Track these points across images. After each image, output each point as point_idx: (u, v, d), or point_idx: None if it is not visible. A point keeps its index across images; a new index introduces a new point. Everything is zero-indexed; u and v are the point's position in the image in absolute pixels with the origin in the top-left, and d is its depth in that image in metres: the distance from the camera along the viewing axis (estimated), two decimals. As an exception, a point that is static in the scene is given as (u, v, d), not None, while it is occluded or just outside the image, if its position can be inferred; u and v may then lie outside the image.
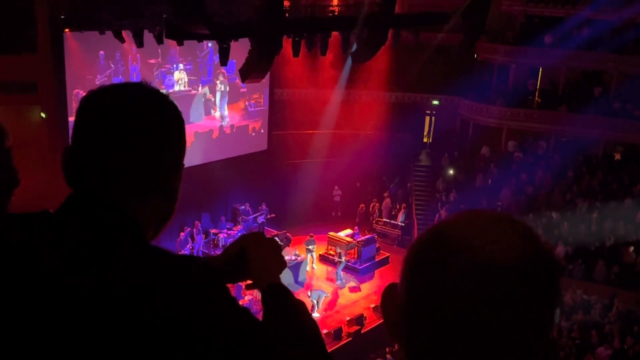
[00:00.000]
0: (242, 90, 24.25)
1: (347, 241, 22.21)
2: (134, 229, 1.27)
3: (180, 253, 1.53)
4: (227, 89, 23.81)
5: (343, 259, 21.32)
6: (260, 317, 1.42)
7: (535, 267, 0.92)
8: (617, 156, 26.24)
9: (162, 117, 1.33)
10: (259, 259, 1.56)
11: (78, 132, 1.31)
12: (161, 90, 1.38)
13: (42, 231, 1.24)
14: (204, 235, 22.18)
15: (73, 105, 19.46)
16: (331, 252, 22.05)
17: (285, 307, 1.50)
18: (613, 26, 24.36)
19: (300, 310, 1.51)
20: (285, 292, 1.54)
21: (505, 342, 0.90)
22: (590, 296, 19.89)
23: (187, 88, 22.64)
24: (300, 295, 20.19)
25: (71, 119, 19.18)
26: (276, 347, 1.37)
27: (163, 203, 1.36)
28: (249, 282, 1.60)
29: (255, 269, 1.55)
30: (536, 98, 27.45)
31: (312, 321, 1.50)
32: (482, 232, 0.93)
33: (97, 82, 19.95)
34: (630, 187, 23.76)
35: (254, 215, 23.71)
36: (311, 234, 22.13)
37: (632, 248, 21.25)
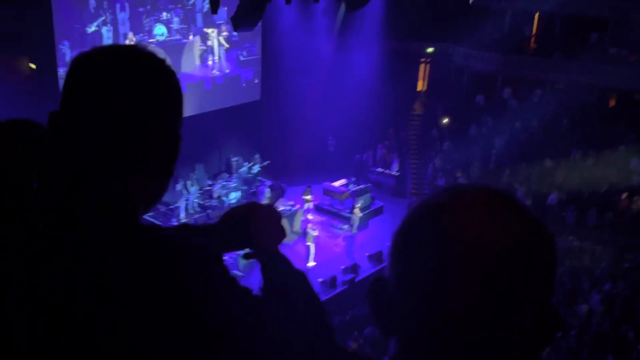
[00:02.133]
0: (234, 39, 23.89)
1: (342, 191, 22.30)
2: (127, 206, 1.19)
3: (176, 226, 1.48)
4: (223, 38, 23.43)
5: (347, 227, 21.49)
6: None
7: (531, 245, 0.89)
8: (612, 103, 26.16)
9: (159, 87, 1.22)
10: (260, 227, 1.50)
11: (66, 97, 1.21)
12: (159, 56, 1.25)
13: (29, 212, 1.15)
14: (198, 187, 22.20)
15: (62, 56, 19.18)
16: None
17: (286, 278, 1.46)
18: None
19: (301, 280, 1.47)
20: (286, 263, 1.49)
21: (504, 325, 0.88)
22: (583, 242, 20.14)
23: (178, 37, 22.27)
24: (297, 244, 20.42)
25: (61, 70, 18.97)
26: (277, 321, 1.33)
27: (158, 178, 1.28)
28: (247, 251, 1.56)
29: (255, 238, 1.50)
30: (531, 45, 27.17)
31: (313, 292, 1.48)
32: (474, 212, 0.89)
33: (88, 32, 19.63)
34: (624, 134, 23.77)
35: (248, 165, 23.70)
36: (309, 185, 22.18)
37: (625, 195, 21.40)
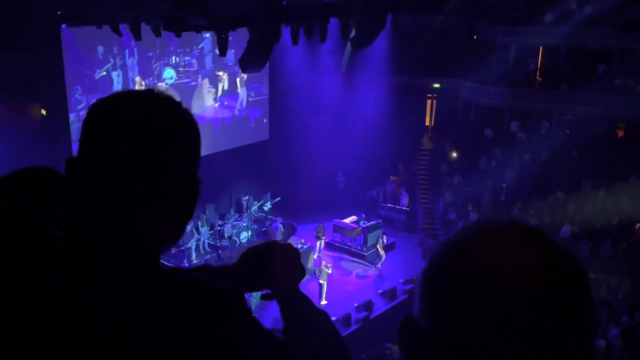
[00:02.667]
0: (242, 80, 24.19)
1: (353, 227, 22.24)
2: (147, 251, 1.18)
3: (196, 267, 1.47)
4: (228, 79, 23.75)
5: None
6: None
7: (566, 281, 0.88)
8: (621, 133, 26.12)
9: (176, 130, 1.21)
10: (280, 266, 1.49)
11: (84, 143, 1.20)
12: (175, 99, 1.25)
13: (48, 255, 1.14)
14: (209, 227, 22.21)
15: (75, 102, 19.48)
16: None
17: (308, 317, 1.44)
18: (614, 2, 24.14)
19: (323, 319, 1.45)
20: (307, 301, 1.47)
21: None
22: (598, 275, 19.87)
23: (187, 80, 22.59)
24: (310, 282, 20.27)
25: (72, 115, 19.22)
26: None
27: (177, 220, 1.26)
28: (265, 291, 1.55)
29: (276, 277, 1.49)
30: (537, 77, 27.32)
31: (335, 331, 1.45)
32: (504, 250, 0.87)
33: (96, 77, 19.94)
34: (634, 164, 23.67)
35: (258, 204, 23.73)
36: (322, 222, 22.15)
37: (638, 225, 21.20)
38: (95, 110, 1.22)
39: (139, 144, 1.16)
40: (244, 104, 24.64)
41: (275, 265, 1.49)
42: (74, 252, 1.14)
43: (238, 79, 24.00)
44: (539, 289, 0.84)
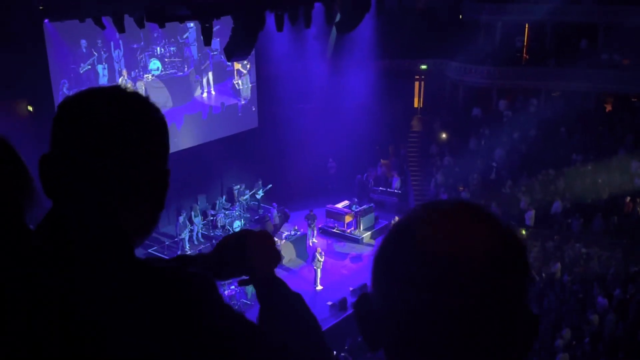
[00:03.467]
0: (228, 69, 24.08)
1: (345, 212, 22.30)
2: (122, 242, 1.23)
3: (171, 258, 1.53)
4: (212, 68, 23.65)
5: None
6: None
7: (503, 254, 0.92)
8: (609, 107, 26.24)
9: (144, 124, 1.27)
10: (255, 252, 1.54)
11: (57, 140, 1.26)
12: (141, 93, 1.31)
13: (27, 251, 1.20)
14: (202, 217, 22.21)
15: (62, 96, 19.34)
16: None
17: (282, 302, 1.49)
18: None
19: (297, 303, 1.50)
20: (282, 285, 1.52)
21: (482, 330, 0.90)
22: (590, 249, 20.05)
23: (172, 70, 22.46)
24: (304, 269, 20.35)
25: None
26: (274, 345, 1.36)
27: (148, 212, 1.31)
28: (243, 277, 1.58)
29: (251, 263, 1.54)
30: (524, 55, 27.35)
31: (310, 314, 1.50)
32: (446, 227, 0.93)
33: (81, 71, 19.79)
34: (623, 137, 23.81)
35: (250, 193, 23.74)
36: (311, 209, 22.19)
37: (628, 198, 21.36)
38: (63, 108, 1.27)
39: (106, 139, 1.22)
40: (231, 92, 24.54)
41: (251, 252, 1.53)
42: (49, 243, 1.18)
43: (239, 69, 23.87)
44: (473, 262, 0.89)
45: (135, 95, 1.29)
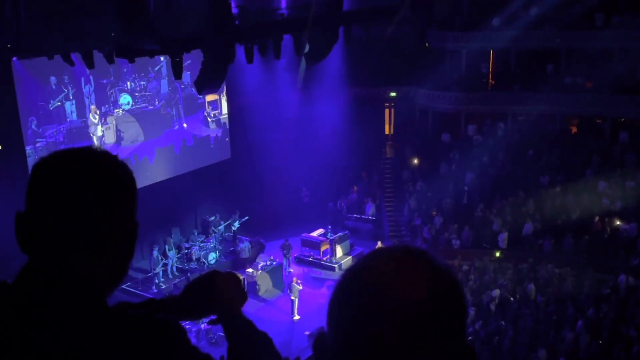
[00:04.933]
0: (199, 101, 24.16)
1: (321, 240, 22.32)
2: (93, 293, 1.33)
3: (142, 302, 1.63)
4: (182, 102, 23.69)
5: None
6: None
7: (440, 296, 1.02)
8: (574, 129, 26.84)
9: (113, 182, 1.37)
10: (222, 293, 1.62)
11: (30, 199, 1.35)
12: (111, 154, 1.41)
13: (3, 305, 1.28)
14: (176, 250, 22.02)
15: (32, 134, 19.20)
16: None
17: (249, 341, 1.58)
18: (558, 3, 24.86)
19: (263, 342, 1.59)
20: (248, 326, 1.61)
21: None
22: (562, 269, 20.31)
23: (143, 104, 22.45)
24: (281, 299, 20.25)
25: (28, 147, 18.91)
26: None
27: (119, 262, 1.40)
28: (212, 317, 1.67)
29: (218, 304, 1.62)
30: (490, 80, 27.93)
31: (275, 352, 1.58)
32: (389, 271, 1.03)
33: (51, 108, 19.69)
34: (589, 158, 24.32)
35: (225, 224, 23.63)
36: (286, 239, 22.19)
37: (597, 218, 21.75)
38: (36, 170, 1.36)
39: (76, 200, 1.32)
40: (203, 124, 24.57)
41: (218, 293, 1.62)
42: (23, 297, 1.28)
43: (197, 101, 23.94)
44: (412, 304, 1.00)
45: (104, 155, 1.39)
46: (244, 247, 21.67)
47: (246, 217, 23.74)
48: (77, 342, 1.23)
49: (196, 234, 23.08)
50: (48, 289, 1.28)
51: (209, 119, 24.77)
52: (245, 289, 1.70)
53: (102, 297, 1.35)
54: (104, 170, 1.37)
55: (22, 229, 1.34)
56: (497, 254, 21.80)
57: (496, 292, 19.32)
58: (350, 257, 22.55)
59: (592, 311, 17.99)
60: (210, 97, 24.19)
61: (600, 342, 16.89)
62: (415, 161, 26.46)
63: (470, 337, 15.73)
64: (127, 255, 1.42)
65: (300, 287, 19.50)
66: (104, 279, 1.36)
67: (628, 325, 17.27)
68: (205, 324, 17.38)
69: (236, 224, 23.75)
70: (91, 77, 20.39)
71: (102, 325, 1.27)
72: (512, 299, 19.20)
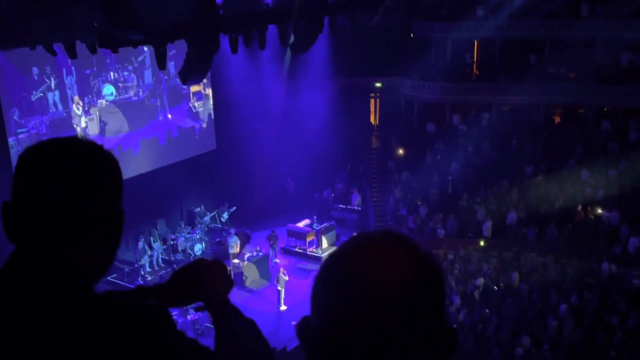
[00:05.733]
0: (184, 91, 24.02)
1: (307, 231, 22.35)
2: (80, 280, 1.34)
3: (130, 290, 1.65)
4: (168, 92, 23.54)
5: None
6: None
7: (420, 279, 1.05)
8: (557, 119, 27.03)
9: (97, 172, 1.39)
10: (208, 281, 1.64)
11: (16, 189, 1.37)
12: (96, 144, 1.43)
13: None
14: (161, 242, 21.96)
15: (14, 124, 18.99)
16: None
17: (236, 327, 1.60)
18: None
19: (250, 329, 1.61)
20: (235, 313, 1.62)
21: (405, 349, 1.03)
22: (546, 257, 20.51)
23: (127, 95, 22.28)
24: (267, 289, 20.29)
25: (11, 139, 18.72)
26: None
27: (105, 250, 1.43)
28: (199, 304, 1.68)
29: (205, 291, 1.64)
30: (475, 70, 28.02)
31: (262, 339, 1.60)
32: (370, 256, 1.06)
33: (33, 99, 19.48)
34: (572, 148, 24.53)
35: (211, 215, 23.59)
36: (272, 230, 22.19)
37: (580, 207, 21.97)
38: (22, 160, 1.39)
39: (62, 188, 1.34)
40: (188, 114, 24.44)
41: (204, 280, 1.64)
42: (10, 284, 1.30)
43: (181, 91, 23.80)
44: (393, 287, 1.02)
45: (89, 144, 1.41)
46: (232, 241, 21.61)
47: (234, 208, 23.71)
48: (66, 329, 1.25)
49: (183, 225, 23.03)
50: (35, 277, 1.30)
51: (194, 110, 24.64)
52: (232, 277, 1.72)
53: (89, 285, 1.36)
54: (89, 158, 1.39)
55: (8, 218, 1.36)
56: (482, 243, 21.97)
57: (480, 281, 19.50)
58: (336, 247, 22.56)
59: (575, 299, 18.20)
60: (194, 88, 24.05)
61: (583, 329, 17.11)
62: (401, 151, 26.53)
63: (455, 325, 15.85)
64: (113, 243, 1.45)
65: (287, 278, 19.54)
66: (91, 267, 1.38)
67: (610, 313, 17.51)
68: (192, 315, 17.35)
69: (225, 215, 23.72)
70: (73, 68, 20.19)
71: (90, 312, 1.29)
72: (496, 287, 19.38)
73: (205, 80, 22.49)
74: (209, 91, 24.92)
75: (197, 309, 1.70)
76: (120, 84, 21.97)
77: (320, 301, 1.09)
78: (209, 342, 1.50)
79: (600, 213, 21.89)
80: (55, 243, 1.34)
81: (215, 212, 23.72)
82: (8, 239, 1.37)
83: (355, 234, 1.14)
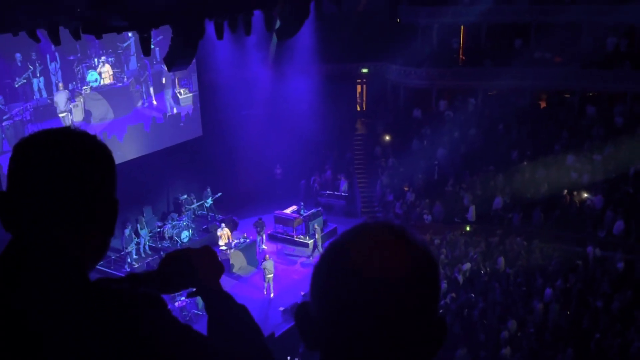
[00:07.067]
0: (170, 78, 23.83)
1: (294, 217, 22.35)
2: (75, 268, 1.35)
3: (122, 277, 1.66)
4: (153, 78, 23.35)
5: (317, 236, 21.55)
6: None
7: (416, 270, 1.08)
8: (543, 104, 27.15)
9: (91, 161, 1.41)
10: (198, 267, 1.65)
11: (12, 179, 1.39)
12: (90, 134, 1.44)
13: None
14: (148, 229, 21.88)
15: (-6, 112, 18.79)
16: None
17: (229, 313, 1.60)
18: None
19: (242, 315, 1.61)
20: (227, 297, 1.63)
21: (400, 338, 1.08)
22: (531, 242, 20.69)
23: (112, 81, 22.09)
24: (255, 276, 20.32)
25: (-6, 127, 18.45)
26: (221, 355, 1.49)
27: (99, 239, 1.46)
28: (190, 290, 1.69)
29: (196, 277, 1.64)
30: (461, 56, 28.04)
31: (254, 324, 1.61)
32: (370, 248, 1.09)
33: (16, 85, 19.26)
34: (557, 133, 24.68)
35: (199, 204, 23.54)
36: (259, 216, 22.18)
37: (566, 191, 22.15)
38: (17, 150, 1.40)
39: (57, 178, 1.36)
40: (174, 101, 24.28)
41: (195, 266, 1.65)
42: (6, 272, 1.31)
43: (164, 78, 23.62)
44: (396, 280, 1.06)
45: (83, 134, 1.43)
46: (222, 232, 21.50)
47: (219, 194, 23.65)
48: (61, 317, 1.26)
49: (171, 213, 22.94)
50: (31, 265, 1.31)
51: (180, 96, 24.48)
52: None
53: (83, 273, 1.37)
54: (83, 149, 1.41)
55: (4, 207, 1.38)
56: (468, 228, 22.12)
57: (467, 266, 19.64)
58: (323, 233, 22.64)
59: (560, 282, 18.40)
60: (180, 74, 23.86)
61: (569, 312, 17.32)
62: (387, 137, 26.56)
63: (441, 310, 16.01)
64: (108, 232, 1.48)
65: (272, 262, 19.57)
66: (85, 255, 1.40)
67: (595, 296, 17.73)
68: (180, 302, 17.33)
69: (209, 201, 23.67)
70: (57, 54, 19.96)
71: (85, 300, 1.30)
72: (482, 271, 19.54)
73: (190, 66, 22.29)
74: (195, 77, 24.74)
75: (189, 295, 1.71)
76: (104, 71, 21.75)
77: (320, 289, 1.12)
78: (197, 328, 1.50)
79: (585, 197, 22.09)
80: (51, 232, 1.36)
81: (202, 201, 23.66)
82: (4, 227, 1.38)
83: (356, 224, 1.17)
